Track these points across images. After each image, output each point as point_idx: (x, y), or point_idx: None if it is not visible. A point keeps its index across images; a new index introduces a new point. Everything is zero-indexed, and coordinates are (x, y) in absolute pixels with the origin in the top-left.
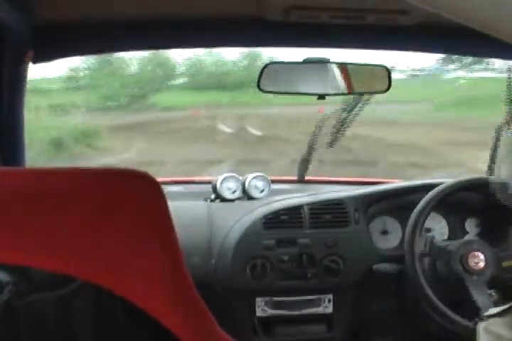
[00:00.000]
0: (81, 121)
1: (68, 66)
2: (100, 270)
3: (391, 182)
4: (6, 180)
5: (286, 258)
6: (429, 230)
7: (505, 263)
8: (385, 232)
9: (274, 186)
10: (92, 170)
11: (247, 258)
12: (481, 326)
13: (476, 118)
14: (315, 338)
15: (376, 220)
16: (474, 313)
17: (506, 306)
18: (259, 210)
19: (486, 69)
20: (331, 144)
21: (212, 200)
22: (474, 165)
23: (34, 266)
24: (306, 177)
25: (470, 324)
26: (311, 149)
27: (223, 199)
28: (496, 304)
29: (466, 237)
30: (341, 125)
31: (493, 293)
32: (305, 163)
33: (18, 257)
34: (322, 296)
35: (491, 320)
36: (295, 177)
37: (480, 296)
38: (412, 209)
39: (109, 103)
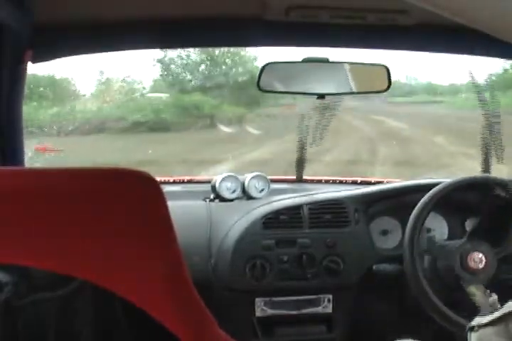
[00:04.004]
0: None
1: None
2: (100, 270)
3: (391, 182)
4: (6, 180)
5: (285, 258)
6: (429, 230)
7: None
8: (385, 232)
9: (274, 186)
10: (91, 170)
11: (246, 258)
12: (474, 336)
13: None
14: (315, 338)
15: (376, 220)
16: (474, 314)
17: (496, 315)
18: (258, 210)
19: None
20: (317, 142)
21: (211, 200)
22: None
23: (34, 266)
24: (306, 177)
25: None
26: (301, 147)
27: (222, 199)
28: (494, 305)
29: (466, 237)
30: (324, 122)
31: (493, 294)
32: (300, 162)
33: (18, 257)
34: (322, 296)
35: (484, 330)
36: (294, 177)
37: (477, 296)
38: (412, 209)
39: None
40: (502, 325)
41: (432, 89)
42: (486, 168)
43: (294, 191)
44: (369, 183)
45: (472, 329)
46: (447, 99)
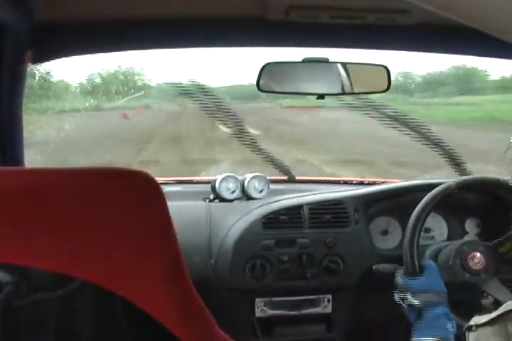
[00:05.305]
0: None
1: None
2: (100, 270)
3: (391, 182)
4: (6, 180)
5: (285, 258)
6: (428, 230)
7: (501, 249)
8: (385, 232)
9: (273, 186)
10: (91, 169)
11: (246, 258)
12: (471, 336)
13: None
14: (314, 338)
15: (376, 220)
16: (474, 314)
17: (494, 314)
18: (258, 210)
19: None
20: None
21: (211, 200)
22: None
23: (34, 266)
24: (306, 178)
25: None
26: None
27: (222, 199)
28: (495, 304)
29: (466, 237)
30: None
31: (490, 296)
32: (276, 162)
33: (18, 257)
34: (321, 296)
35: (482, 330)
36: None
37: (497, 292)
38: (412, 209)
39: None
40: (500, 325)
41: None
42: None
43: (293, 191)
44: (369, 183)
45: (470, 328)
46: None
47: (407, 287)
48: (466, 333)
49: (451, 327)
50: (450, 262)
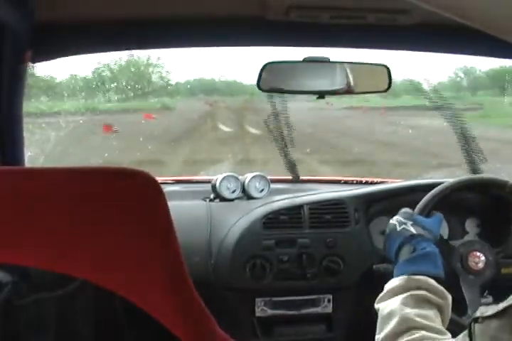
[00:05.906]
0: None
1: None
2: (100, 270)
3: (391, 182)
4: (6, 180)
5: (285, 258)
6: None
7: (504, 270)
8: (384, 232)
9: (274, 186)
10: (91, 169)
11: (246, 258)
12: (478, 328)
13: None
14: (314, 338)
15: (376, 220)
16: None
17: (500, 306)
18: (258, 210)
19: None
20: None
21: (211, 200)
22: None
23: (34, 265)
24: (306, 177)
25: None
26: (283, 148)
27: (222, 199)
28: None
29: (466, 237)
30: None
31: (489, 296)
32: (290, 163)
33: (18, 257)
34: (322, 296)
35: (488, 323)
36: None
37: (470, 295)
38: (413, 209)
39: None
40: (508, 319)
41: None
42: (474, 170)
43: (293, 191)
44: (369, 183)
45: (476, 320)
46: None
47: (412, 216)
48: (472, 324)
49: (442, 266)
50: (450, 262)
